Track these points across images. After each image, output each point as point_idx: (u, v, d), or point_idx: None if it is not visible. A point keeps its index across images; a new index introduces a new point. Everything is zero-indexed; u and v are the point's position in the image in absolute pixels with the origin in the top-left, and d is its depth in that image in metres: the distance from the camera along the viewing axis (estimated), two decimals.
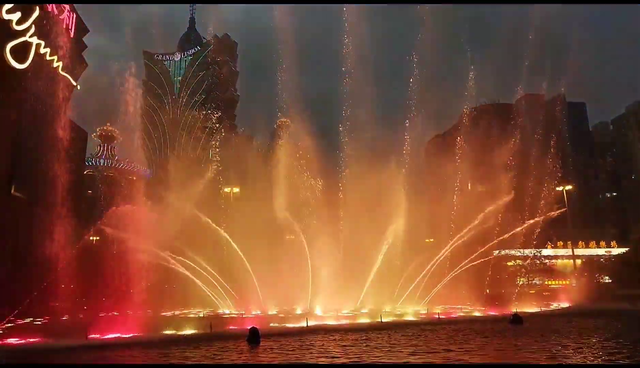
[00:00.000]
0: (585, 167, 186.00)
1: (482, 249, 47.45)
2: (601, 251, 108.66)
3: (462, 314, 40.85)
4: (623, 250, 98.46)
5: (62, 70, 56.01)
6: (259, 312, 43.32)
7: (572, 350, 19.91)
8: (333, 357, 18.44)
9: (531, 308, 44.62)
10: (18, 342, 25.36)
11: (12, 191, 59.26)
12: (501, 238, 47.70)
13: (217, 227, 45.29)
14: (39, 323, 37.20)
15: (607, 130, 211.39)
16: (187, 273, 43.54)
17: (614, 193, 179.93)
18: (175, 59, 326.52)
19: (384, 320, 34.65)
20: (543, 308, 46.24)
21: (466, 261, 46.92)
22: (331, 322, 34.06)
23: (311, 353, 19.64)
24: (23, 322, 35.31)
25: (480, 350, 20.69)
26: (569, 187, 78.42)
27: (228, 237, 45.08)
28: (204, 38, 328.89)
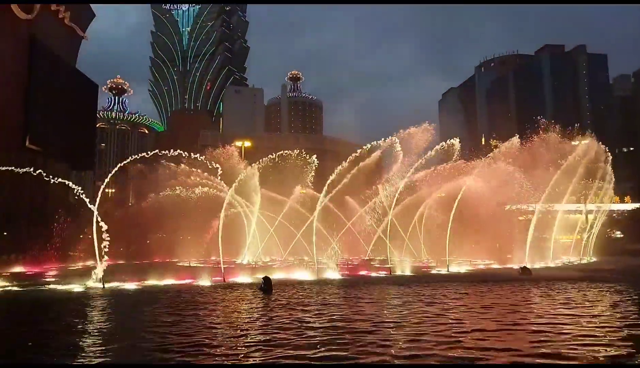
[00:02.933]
0: (604, 120, 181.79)
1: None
2: (614, 206, 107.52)
3: (470, 268, 41.62)
4: (637, 205, 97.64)
5: (70, 20, 55.10)
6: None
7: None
8: (337, 306, 18.80)
9: (541, 262, 44.98)
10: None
11: (27, 143, 59.77)
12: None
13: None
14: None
15: (628, 83, 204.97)
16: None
17: (631, 148, 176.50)
18: (183, 8, 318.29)
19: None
20: (555, 263, 46.70)
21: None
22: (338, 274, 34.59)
23: (316, 301, 20.04)
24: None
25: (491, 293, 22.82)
26: (585, 141, 76.76)
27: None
28: None
